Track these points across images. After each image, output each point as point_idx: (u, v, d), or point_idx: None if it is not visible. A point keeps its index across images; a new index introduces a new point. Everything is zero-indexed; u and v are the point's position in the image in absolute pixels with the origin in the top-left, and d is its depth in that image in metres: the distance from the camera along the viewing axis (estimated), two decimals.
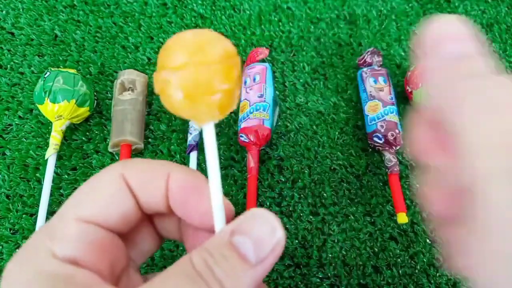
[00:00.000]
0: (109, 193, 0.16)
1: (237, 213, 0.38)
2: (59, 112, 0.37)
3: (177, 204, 0.16)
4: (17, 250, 0.35)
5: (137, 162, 0.17)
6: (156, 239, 0.19)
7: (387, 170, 0.38)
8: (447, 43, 0.14)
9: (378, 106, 0.39)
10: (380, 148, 0.39)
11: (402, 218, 0.35)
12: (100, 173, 0.16)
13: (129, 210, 0.16)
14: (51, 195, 0.36)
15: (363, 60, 0.43)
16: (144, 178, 0.16)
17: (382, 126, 0.38)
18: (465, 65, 0.14)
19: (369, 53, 0.43)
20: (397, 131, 0.38)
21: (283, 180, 0.39)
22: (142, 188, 0.16)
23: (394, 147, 0.38)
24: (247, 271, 0.14)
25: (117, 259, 0.16)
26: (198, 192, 0.16)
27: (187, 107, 0.15)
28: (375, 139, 0.39)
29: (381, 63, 0.43)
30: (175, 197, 0.16)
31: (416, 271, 0.35)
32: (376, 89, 0.40)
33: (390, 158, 0.38)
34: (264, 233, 0.14)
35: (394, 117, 0.39)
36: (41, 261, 0.14)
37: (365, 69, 0.42)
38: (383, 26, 0.48)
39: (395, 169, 0.37)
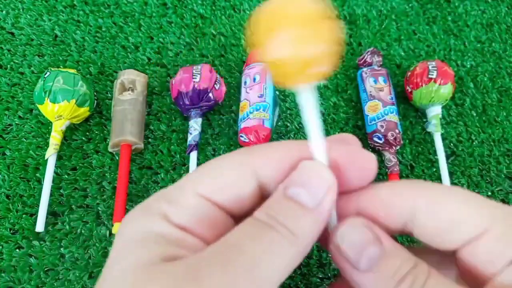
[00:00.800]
0: (231, 177, 0.16)
1: None
2: (59, 112, 0.37)
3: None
4: (17, 250, 0.35)
5: (267, 147, 0.17)
6: None
7: (387, 170, 0.38)
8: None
9: (378, 106, 0.39)
10: (380, 148, 0.39)
11: None
12: (226, 155, 0.17)
13: (247, 194, 0.16)
14: (51, 195, 0.36)
15: (363, 60, 0.43)
16: (278, 163, 0.17)
17: (382, 126, 0.38)
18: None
19: (369, 53, 0.43)
20: (397, 131, 0.38)
21: None
22: (276, 173, 0.16)
23: (394, 147, 0.38)
24: (307, 215, 0.15)
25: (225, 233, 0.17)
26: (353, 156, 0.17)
27: (292, 67, 0.15)
28: (375, 139, 0.39)
29: (381, 63, 0.43)
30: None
31: None
32: (376, 89, 0.40)
33: (390, 158, 0.38)
34: (314, 179, 0.15)
35: (394, 117, 0.39)
36: (154, 221, 0.15)
37: (365, 69, 0.42)
38: (383, 26, 0.48)
39: (395, 169, 0.37)
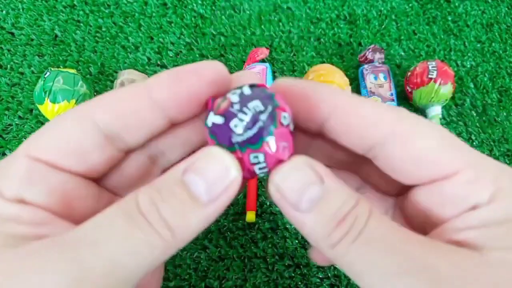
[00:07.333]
0: (65, 132, 0.14)
1: (238, 213, 0.38)
2: (59, 112, 0.37)
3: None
4: None
5: (111, 93, 0.15)
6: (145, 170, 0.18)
7: None
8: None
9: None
10: None
11: None
12: (70, 109, 0.15)
13: (92, 151, 0.14)
14: None
15: (364, 57, 0.43)
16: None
17: None
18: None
19: (370, 50, 0.43)
20: None
21: None
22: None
23: None
24: (197, 210, 0.13)
25: (76, 199, 0.15)
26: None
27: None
28: None
29: (383, 60, 0.43)
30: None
31: None
32: (376, 86, 0.40)
33: None
34: (217, 172, 0.13)
35: None
36: None
37: (366, 66, 0.42)
38: (383, 26, 0.48)
39: None
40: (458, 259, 0.12)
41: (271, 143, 0.14)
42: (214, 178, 0.13)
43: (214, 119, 0.14)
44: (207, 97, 0.15)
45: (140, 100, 0.14)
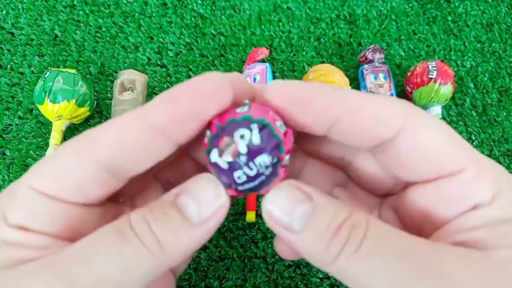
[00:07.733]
0: (66, 167, 0.14)
1: (238, 213, 0.38)
2: (59, 112, 0.37)
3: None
4: None
5: (105, 127, 0.15)
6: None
7: None
8: None
9: None
10: None
11: None
12: (69, 141, 0.15)
13: (93, 184, 0.14)
14: None
15: (364, 57, 0.43)
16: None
17: None
18: None
19: (370, 50, 0.43)
20: None
21: None
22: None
23: None
24: (188, 230, 0.13)
25: (80, 222, 0.15)
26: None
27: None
28: None
29: (383, 60, 0.43)
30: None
31: None
32: (376, 86, 0.40)
33: None
34: (208, 196, 0.14)
35: None
36: None
37: (366, 66, 0.42)
38: (383, 26, 0.48)
39: None
40: (470, 261, 0.12)
41: (269, 188, 0.15)
42: (206, 201, 0.14)
43: (218, 160, 0.14)
44: (209, 111, 0.14)
45: (139, 131, 0.14)
